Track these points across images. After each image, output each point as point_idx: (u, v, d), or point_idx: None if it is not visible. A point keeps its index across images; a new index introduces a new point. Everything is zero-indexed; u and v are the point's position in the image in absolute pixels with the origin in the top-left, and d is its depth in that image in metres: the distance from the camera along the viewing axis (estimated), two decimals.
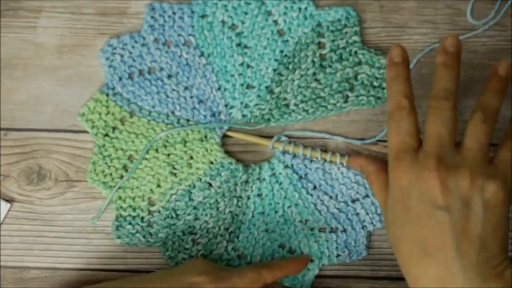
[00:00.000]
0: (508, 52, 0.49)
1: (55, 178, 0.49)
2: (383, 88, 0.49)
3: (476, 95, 0.49)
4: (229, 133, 0.49)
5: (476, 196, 0.37)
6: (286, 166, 0.49)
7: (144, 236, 0.48)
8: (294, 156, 0.48)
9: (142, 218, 0.48)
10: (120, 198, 0.48)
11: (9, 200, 0.49)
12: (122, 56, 0.49)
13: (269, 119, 0.49)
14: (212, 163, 0.48)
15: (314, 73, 0.49)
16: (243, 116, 0.49)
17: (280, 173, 0.49)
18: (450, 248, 0.36)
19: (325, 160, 0.48)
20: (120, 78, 0.49)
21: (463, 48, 0.49)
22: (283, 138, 0.49)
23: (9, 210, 0.48)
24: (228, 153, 0.49)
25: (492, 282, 0.36)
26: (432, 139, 0.38)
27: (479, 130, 0.38)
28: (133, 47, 0.49)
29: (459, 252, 0.36)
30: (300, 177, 0.49)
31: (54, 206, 0.49)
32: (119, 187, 0.48)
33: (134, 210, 0.48)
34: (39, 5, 0.49)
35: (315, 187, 0.49)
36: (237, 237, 0.48)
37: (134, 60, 0.49)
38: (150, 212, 0.48)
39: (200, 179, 0.48)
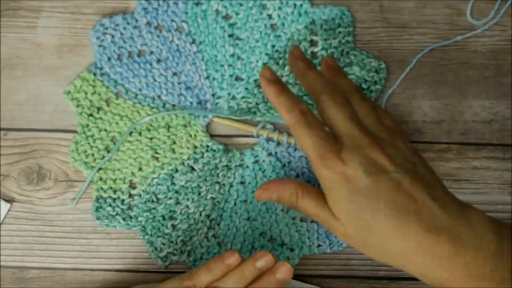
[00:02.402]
0: (508, 52, 0.49)
1: (55, 178, 0.49)
2: (371, 92, 0.49)
3: (476, 95, 0.49)
4: (215, 119, 0.49)
5: (407, 152, 0.40)
6: (269, 154, 0.49)
7: (124, 219, 0.48)
8: (278, 143, 0.48)
9: (123, 200, 0.48)
10: (101, 179, 0.48)
11: (9, 200, 0.49)
12: (113, 36, 0.49)
13: (255, 113, 0.49)
14: (196, 147, 0.49)
15: None
16: (229, 107, 0.49)
17: (263, 161, 0.49)
18: (423, 199, 0.37)
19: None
20: (109, 59, 0.49)
21: (463, 48, 0.50)
22: (268, 126, 0.49)
23: (9, 210, 0.48)
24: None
25: (468, 211, 0.38)
26: (349, 123, 0.39)
27: (367, 107, 0.41)
28: (124, 28, 0.49)
29: (433, 198, 0.37)
30: (284, 165, 0.49)
31: (54, 206, 0.49)
32: (100, 168, 0.48)
33: (114, 192, 0.48)
34: (39, 5, 0.49)
35: (298, 176, 0.49)
36: (218, 224, 0.49)
37: (124, 42, 0.49)
38: (131, 195, 0.49)
39: (183, 163, 0.49)
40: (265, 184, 0.43)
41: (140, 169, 0.49)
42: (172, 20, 0.49)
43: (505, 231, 0.37)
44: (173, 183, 0.49)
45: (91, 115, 0.49)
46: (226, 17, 0.49)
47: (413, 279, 0.49)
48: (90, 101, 0.49)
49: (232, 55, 0.49)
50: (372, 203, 0.37)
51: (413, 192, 0.37)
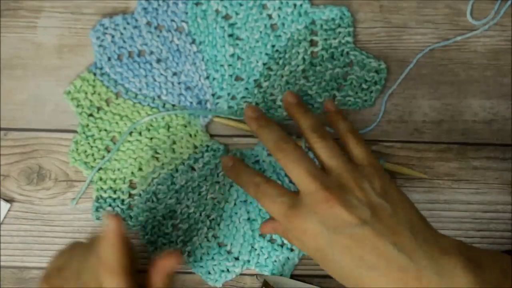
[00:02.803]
0: (508, 52, 0.49)
1: (55, 178, 0.49)
2: (371, 92, 0.49)
3: (476, 95, 0.49)
4: (215, 119, 0.49)
5: (373, 196, 0.38)
6: (269, 154, 0.49)
7: (124, 219, 0.48)
8: None
9: (123, 200, 0.48)
10: (101, 179, 0.49)
11: (9, 200, 0.49)
12: (113, 36, 0.49)
13: None
14: (196, 147, 0.49)
15: (303, 70, 0.49)
16: (229, 107, 0.49)
17: (263, 161, 0.49)
18: (388, 250, 0.36)
19: (309, 149, 0.48)
20: (109, 59, 0.49)
21: (463, 48, 0.50)
22: None
23: (9, 210, 0.48)
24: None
25: (439, 258, 0.36)
26: (305, 178, 0.38)
27: (328, 148, 0.40)
28: (125, 28, 0.49)
29: (397, 248, 0.36)
30: None
31: (54, 206, 0.49)
32: (100, 168, 0.48)
33: (114, 192, 0.48)
34: (39, 5, 0.49)
35: None
36: (218, 225, 0.49)
37: (124, 42, 0.49)
38: (130, 195, 0.49)
39: (183, 163, 0.49)
40: (263, 225, 0.45)
41: (140, 169, 0.49)
42: (172, 20, 0.49)
43: (486, 270, 0.36)
44: (173, 183, 0.49)
45: (91, 115, 0.49)
46: (226, 17, 0.49)
47: None
48: (90, 101, 0.49)
49: (232, 55, 0.49)
50: (340, 259, 0.37)
51: (377, 243, 0.36)
